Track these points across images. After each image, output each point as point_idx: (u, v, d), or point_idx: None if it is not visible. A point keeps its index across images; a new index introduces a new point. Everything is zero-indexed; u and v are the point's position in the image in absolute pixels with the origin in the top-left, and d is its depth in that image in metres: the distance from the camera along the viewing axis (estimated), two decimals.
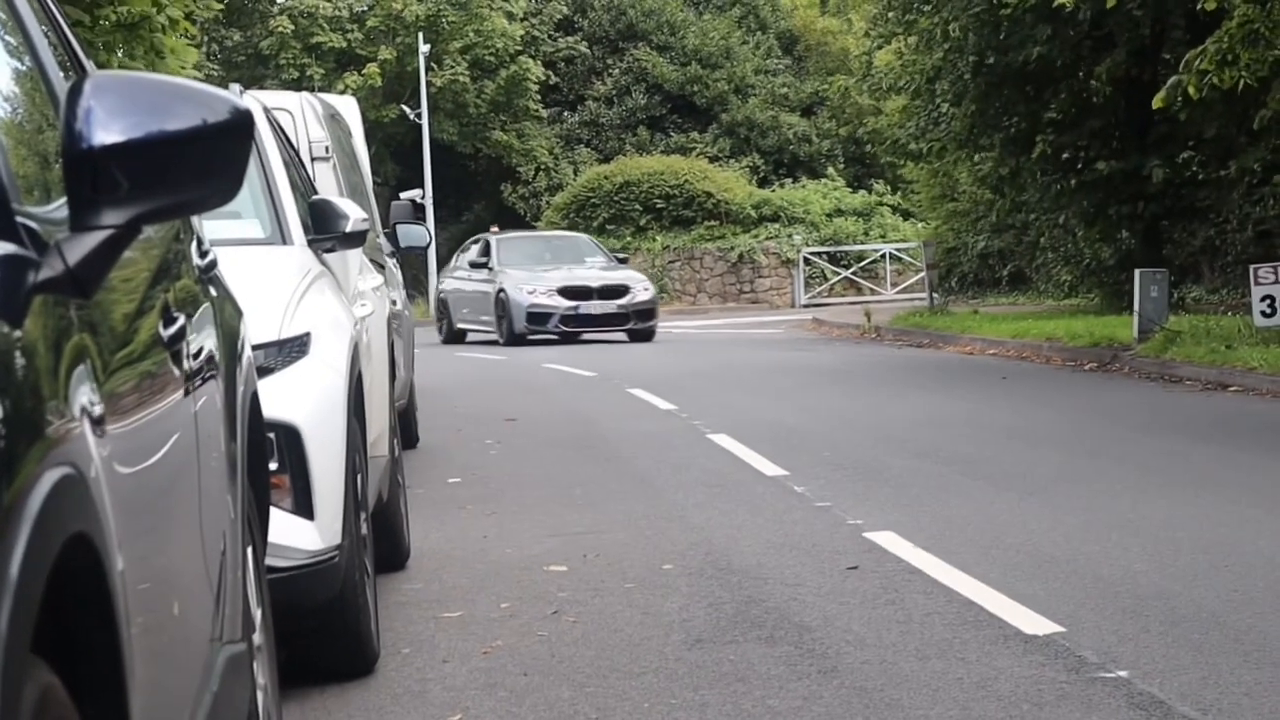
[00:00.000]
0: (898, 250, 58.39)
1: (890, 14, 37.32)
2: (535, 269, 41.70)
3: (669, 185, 59.85)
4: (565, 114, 66.83)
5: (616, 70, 66.26)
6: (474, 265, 43.11)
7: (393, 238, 18.12)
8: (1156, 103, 24.97)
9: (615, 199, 59.90)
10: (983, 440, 17.02)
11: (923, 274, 46.09)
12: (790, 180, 63.53)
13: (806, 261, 58.70)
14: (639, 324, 40.43)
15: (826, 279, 58.66)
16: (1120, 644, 8.26)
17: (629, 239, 59.05)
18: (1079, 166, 35.48)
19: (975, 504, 12.95)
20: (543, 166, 64.78)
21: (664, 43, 66.13)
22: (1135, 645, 8.26)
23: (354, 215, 9.70)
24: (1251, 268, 25.38)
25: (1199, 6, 24.62)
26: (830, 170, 64.10)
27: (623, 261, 44.48)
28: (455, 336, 43.31)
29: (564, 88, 66.75)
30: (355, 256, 11.13)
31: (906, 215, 60.24)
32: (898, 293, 56.00)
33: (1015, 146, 36.44)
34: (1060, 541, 11.18)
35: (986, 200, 44.40)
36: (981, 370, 26.98)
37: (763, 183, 63.34)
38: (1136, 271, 27.76)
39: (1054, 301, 43.04)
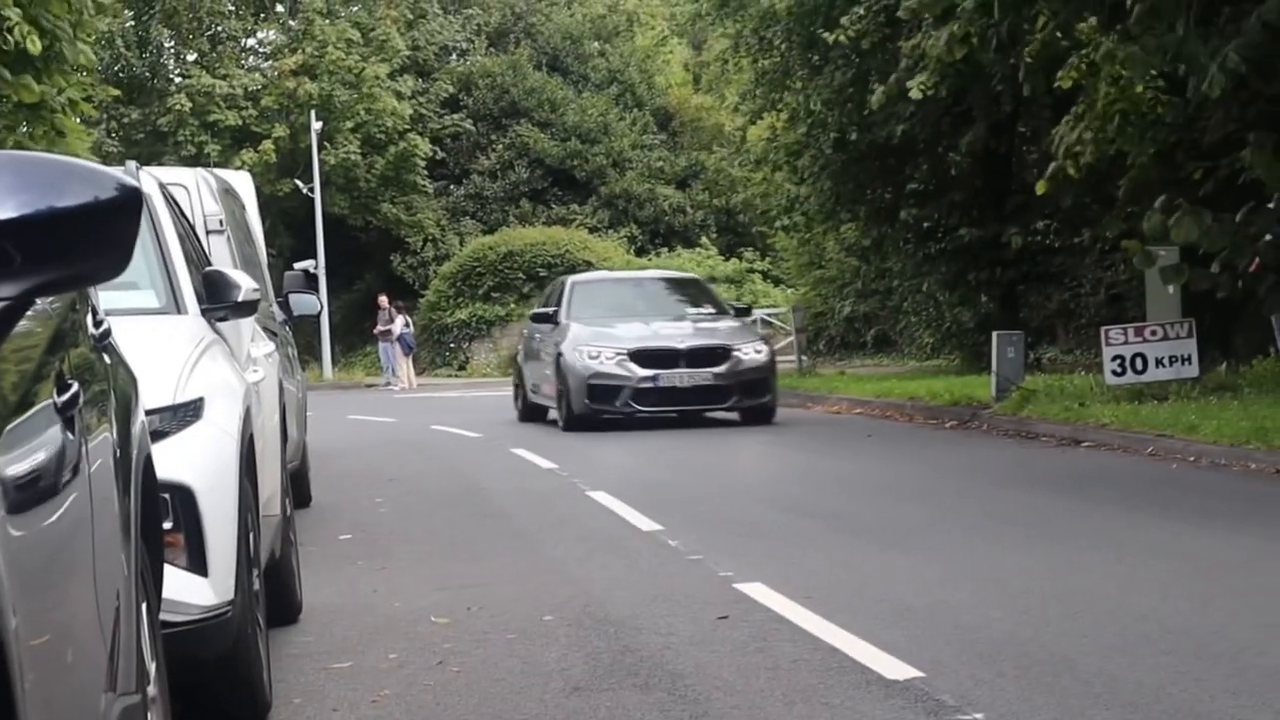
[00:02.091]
0: (768, 315, 58.36)
1: (759, 91, 37.53)
2: (612, 322, 28.78)
3: (551, 255, 59.88)
4: (452, 187, 66.77)
5: (500, 146, 66.26)
6: (539, 318, 30.62)
7: (285, 306, 18.06)
8: (1040, 188, 25.32)
9: (500, 268, 59.88)
10: (848, 495, 17.08)
11: (792, 337, 46.11)
12: (666, 249, 63.71)
13: None
14: (747, 400, 27.39)
15: None
16: (977, 688, 8.29)
17: (513, 306, 59.05)
18: (940, 235, 35.77)
19: (841, 556, 13.01)
20: (430, 238, 64.71)
21: (545, 119, 66.19)
22: (991, 689, 8.30)
23: (246, 286, 9.67)
24: (1103, 329, 25.58)
25: (1055, 85, 24.88)
26: (704, 239, 64.37)
27: (742, 312, 31.96)
28: (532, 412, 30.64)
29: (450, 163, 66.69)
30: (248, 325, 11.10)
31: (777, 281, 60.41)
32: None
33: (879, 217, 36.74)
34: (921, 591, 11.23)
35: (852, 267, 44.70)
36: (848, 428, 27.07)
37: (640, 252, 63.42)
38: (994, 334, 27.95)
39: (917, 363, 43.27)
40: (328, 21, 62.70)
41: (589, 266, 59.33)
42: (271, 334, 13.91)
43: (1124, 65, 22.68)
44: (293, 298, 18.46)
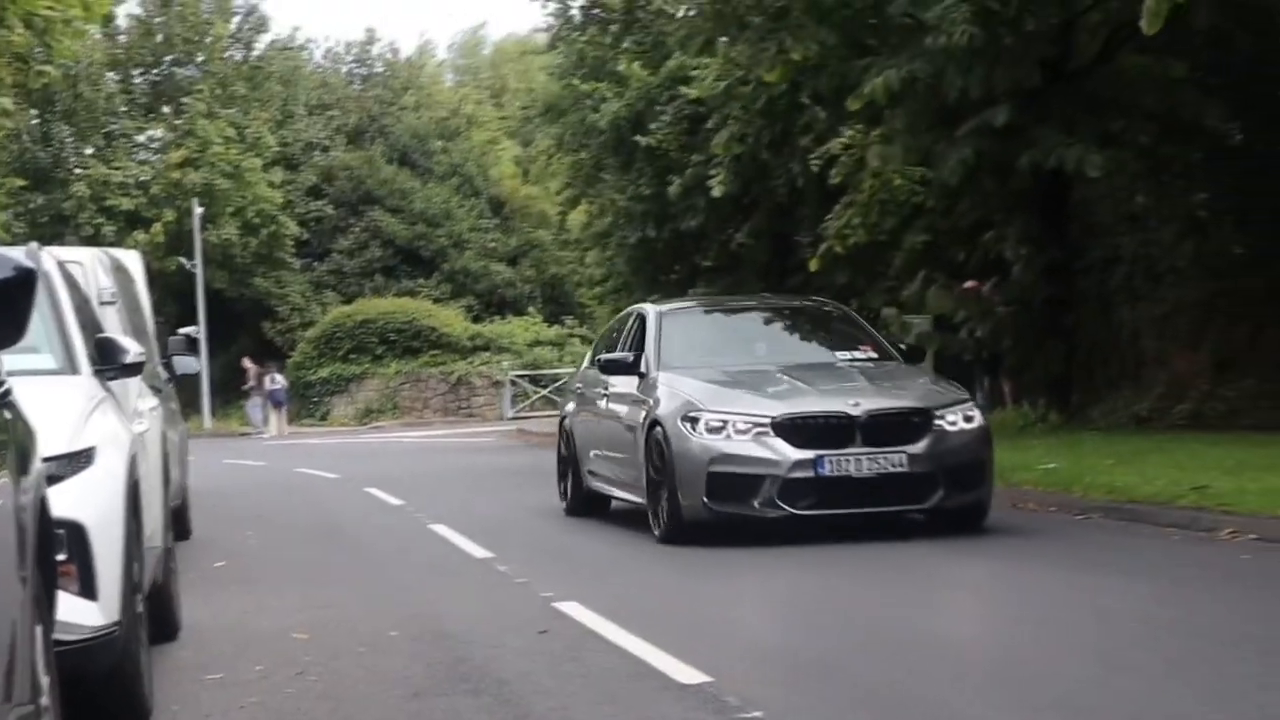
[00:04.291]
0: None
1: (576, 184, 37.67)
2: (731, 373, 15.89)
3: (400, 321, 59.79)
4: (315, 264, 66.34)
5: (357, 228, 66.00)
6: (611, 366, 16.97)
7: (169, 366, 17.85)
8: (813, 265, 25.50)
9: (356, 333, 59.68)
10: (645, 526, 17.05)
11: None
12: (499, 316, 63.74)
13: (512, 383, 58.65)
14: (955, 495, 14.69)
15: (529, 397, 58.57)
16: (758, 690, 8.27)
17: (368, 365, 58.85)
18: None
19: (646, 577, 13.04)
20: (296, 307, 64.28)
21: (396, 206, 66.00)
22: (770, 691, 8.29)
23: (133, 350, 9.58)
24: None
25: (830, 180, 25.13)
26: (530, 309, 64.52)
27: (910, 354, 17.58)
28: (589, 503, 18.01)
29: (314, 242, 66.26)
30: (135, 383, 10.97)
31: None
32: None
33: (676, 290, 36.88)
34: (715, 606, 11.25)
35: None
36: None
37: (476, 319, 63.37)
38: None
39: None
40: (208, 121, 62.20)
41: (432, 331, 59.35)
42: (156, 390, 13.75)
43: (882, 161, 22.94)
44: (176, 359, 18.24)
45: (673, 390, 15.34)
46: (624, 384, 16.51)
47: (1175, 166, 23.93)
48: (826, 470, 14.27)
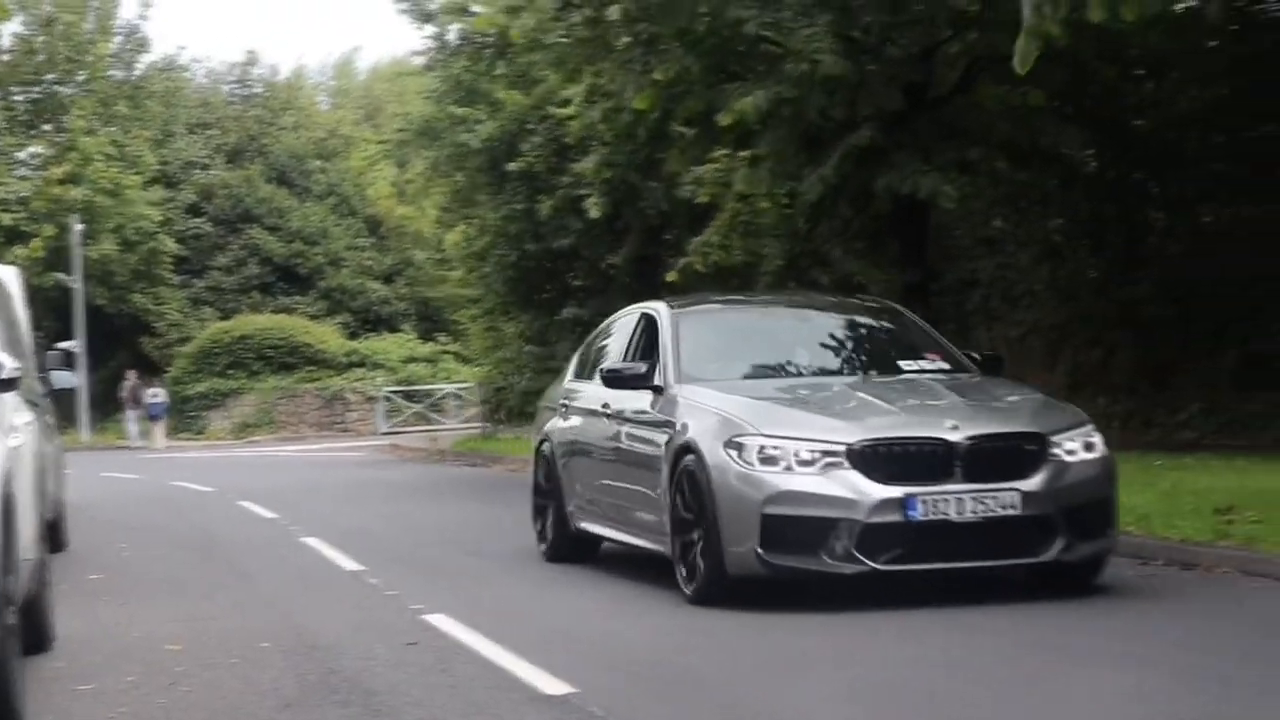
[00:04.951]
0: (459, 389, 58.39)
1: (452, 205, 37.63)
2: (778, 388, 12.36)
3: (277, 337, 59.51)
4: (193, 280, 65.80)
5: (235, 245, 65.55)
6: (615, 377, 13.16)
7: (46, 381, 17.65)
8: (670, 277, 25.59)
9: (233, 349, 59.32)
10: (517, 540, 16.98)
11: (478, 408, 46.14)
12: (374, 333, 63.50)
13: (387, 398, 58.40)
14: (1076, 545, 11.06)
15: (403, 412, 58.35)
16: (624, 702, 8.28)
17: (245, 380, 58.46)
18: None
19: (513, 590, 12.99)
20: (174, 323, 63.72)
21: (274, 224, 65.63)
22: (636, 703, 8.30)
23: (9, 364, 9.46)
24: None
25: (695, 201, 25.23)
26: (405, 326, 64.35)
27: (992, 364, 13.33)
28: (574, 548, 14.36)
29: (193, 259, 65.69)
30: (10, 397, 10.81)
31: (465, 360, 60.33)
32: (459, 423, 55.90)
33: (547, 310, 36.94)
34: (580, 619, 11.25)
35: (528, 350, 44.76)
36: (521, 485, 26.92)
37: (352, 335, 63.11)
38: None
39: None
40: (89, 138, 61.53)
41: (309, 347, 59.03)
42: (33, 404, 13.57)
43: (749, 185, 23.05)
44: (53, 374, 18.04)
45: (707, 408, 11.79)
46: (633, 400, 12.87)
47: (1032, 193, 24.20)
48: (918, 513, 10.79)
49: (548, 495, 14.77)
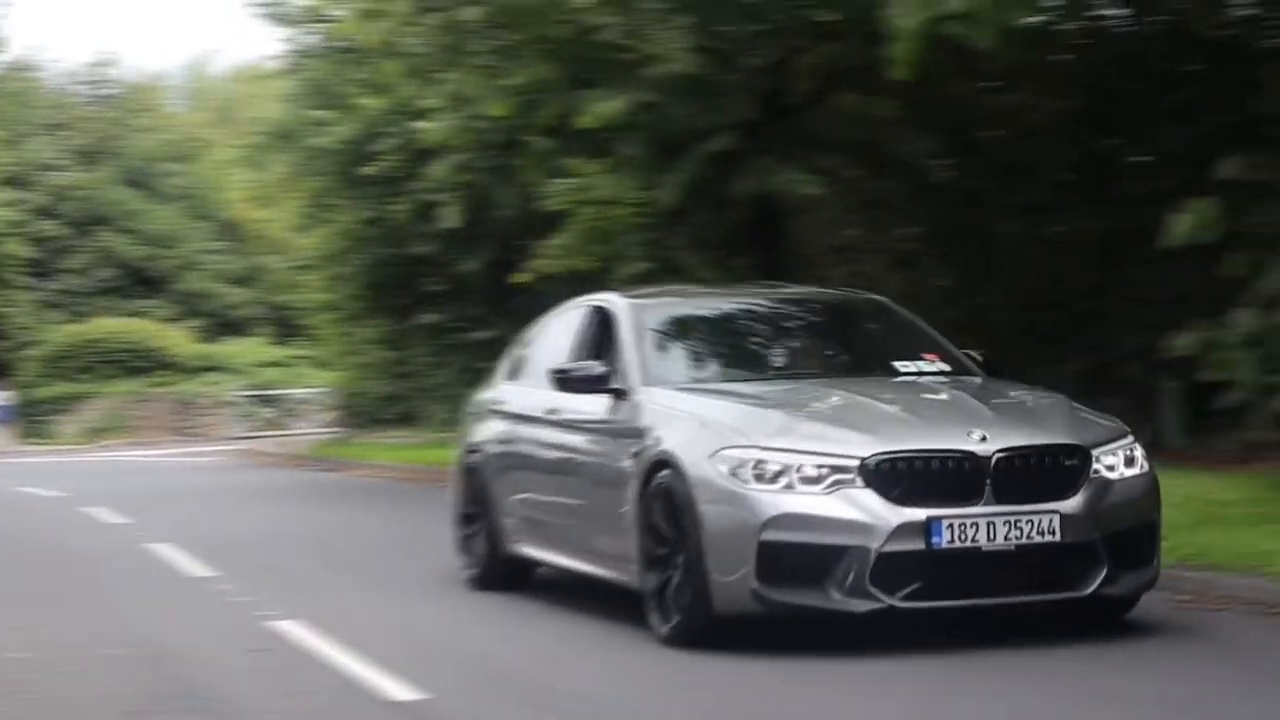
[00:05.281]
0: (314, 394, 58.01)
1: (308, 209, 37.39)
2: (769, 390, 10.56)
3: (129, 341, 58.87)
4: (44, 283, 64.95)
5: (88, 248, 64.80)
6: (567, 379, 11.29)
7: None
8: (520, 278, 25.56)
9: (84, 353, 58.62)
10: (372, 545, 16.92)
11: (334, 413, 45.86)
12: (228, 337, 63.03)
13: (240, 403, 57.96)
14: (1120, 576, 9.54)
15: (257, 417, 57.88)
16: (475, 708, 8.24)
17: (96, 384, 57.82)
18: (455, 332, 35.91)
19: (364, 597, 12.84)
20: (23, 326, 62.85)
21: (127, 227, 64.92)
22: (483, 709, 8.26)
23: None
24: None
25: (550, 208, 25.18)
26: (260, 330, 63.90)
27: (989, 366, 11.53)
28: (508, 573, 12.57)
29: (44, 262, 64.85)
30: None
31: (321, 365, 59.95)
32: (314, 428, 55.50)
33: (402, 316, 36.85)
34: (429, 625, 11.18)
35: (383, 355, 44.58)
36: (377, 490, 26.86)
37: (206, 340, 62.58)
38: None
39: (435, 434, 43.20)
40: None
41: (162, 352, 58.42)
42: None
43: (613, 189, 23.06)
44: None
45: (686, 414, 10.13)
46: (588, 406, 11.12)
47: (885, 202, 24.39)
48: (943, 539, 9.17)
49: (476, 513, 12.83)
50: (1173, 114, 20.39)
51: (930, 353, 11.36)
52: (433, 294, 36.05)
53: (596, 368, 11.10)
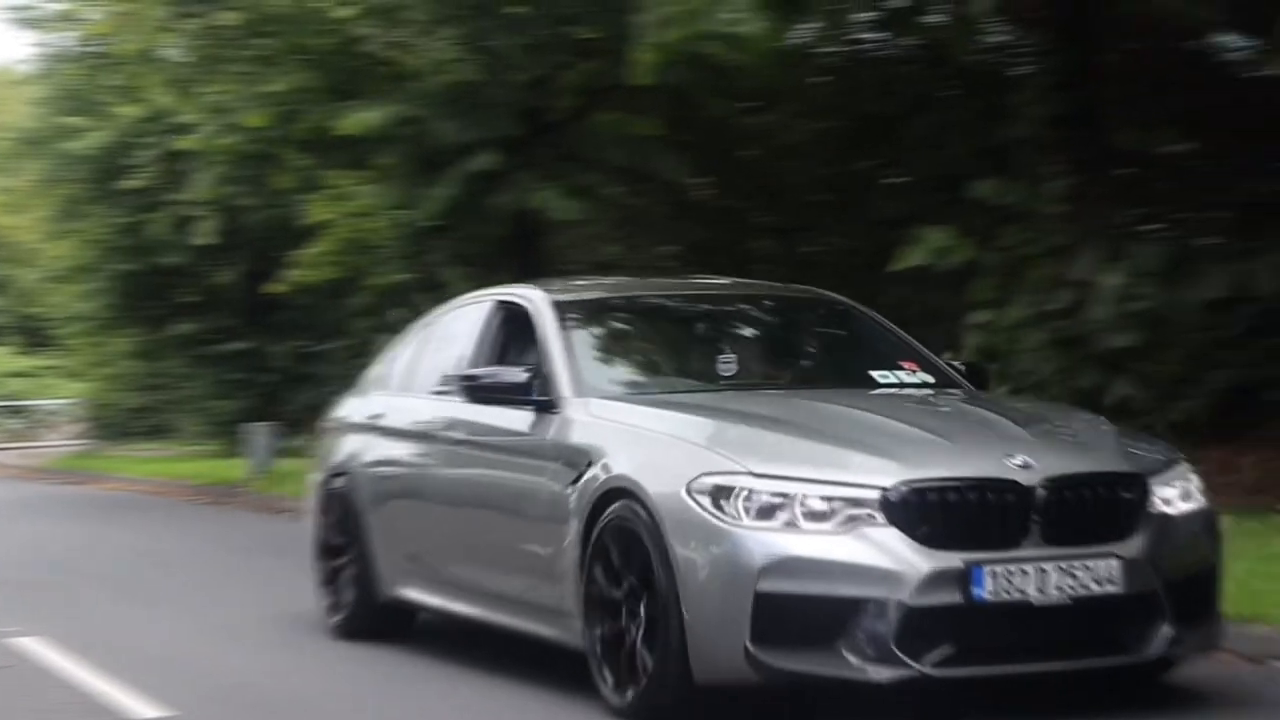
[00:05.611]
0: (64, 405, 56.95)
1: (59, 217, 36.75)
2: (727, 405, 8.41)
3: None
4: None
5: None
6: (479, 387, 9.08)
7: None
8: (276, 287, 25.30)
9: None
10: (119, 560, 16.56)
11: (83, 425, 45.00)
12: None
13: None
14: (1187, 634, 7.64)
15: (3, 429, 56.68)
16: None
17: None
18: (211, 343, 35.49)
19: (109, 613, 12.56)
20: None
21: None
22: None
23: None
24: None
25: (305, 221, 24.99)
26: (8, 340, 62.53)
27: (977, 377, 9.60)
28: (382, 616, 10.46)
29: None
30: None
31: (72, 376, 58.86)
32: (63, 440, 54.42)
33: (155, 326, 36.33)
34: (177, 642, 10.91)
35: (135, 367, 43.88)
36: (125, 504, 26.35)
37: None
38: (253, 425, 27.80)
39: (188, 448, 42.58)
40: None
41: None
42: None
43: (377, 200, 22.98)
44: None
45: (642, 432, 8.15)
46: (503, 421, 9.05)
47: (644, 219, 24.54)
48: (985, 590, 7.25)
49: (343, 548, 10.75)
50: (927, 137, 20.76)
51: (908, 360, 9.48)
52: (187, 305, 35.58)
53: (516, 374, 8.97)
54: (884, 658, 7.11)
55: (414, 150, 21.69)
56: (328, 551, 10.94)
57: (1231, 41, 17.96)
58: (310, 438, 39.65)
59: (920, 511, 7.24)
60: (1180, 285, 15.89)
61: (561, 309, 9.27)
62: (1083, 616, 7.36)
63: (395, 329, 23.62)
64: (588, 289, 10.20)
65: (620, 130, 21.68)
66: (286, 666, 9.88)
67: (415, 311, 23.69)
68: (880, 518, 7.22)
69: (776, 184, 22.89)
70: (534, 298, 9.48)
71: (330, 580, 10.89)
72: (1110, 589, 7.37)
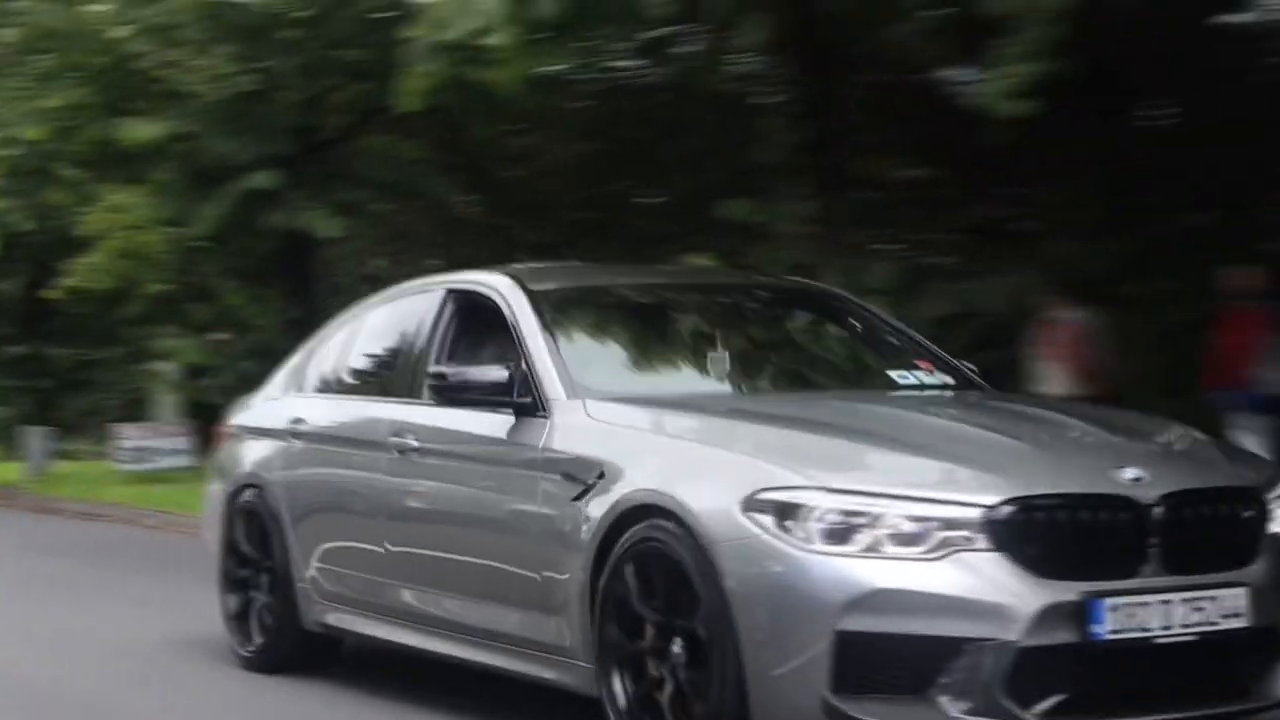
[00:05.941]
0: None
1: None
2: (759, 409, 6.99)
3: None
4: None
5: None
6: (450, 387, 7.48)
7: None
8: (51, 294, 25.45)
9: None
10: None
11: None
12: None
13: None
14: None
15: None
16: None
17: None
18: None
19: None
20: None
21: None
22: None
23: None
24: (117, 427, 26.19)
25: (81, 233, 25.10)
26: None
27: (987, 378, 8.18)
28: (306, 648, 9.05)
29: None
30: None
31: None
32: None
33: None
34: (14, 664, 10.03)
35: None
36: None
37: None
38: (30, 428, 27.94)
39: None
40: None
41: None
42: None
43: (151, 213, 23.10)
44: None
45: (669, 440, 6.84)
46: (471, 426, 7.65)
47: (412, 234, 25.06)
48: (1105, 628, 6.01)
49: (257, 570, 9.37)
50: (681, 160, 21.53)
51: (923, 360, 8.24)
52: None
53: (496, 372, 7.46)
54: (988, 709, 5.91)
55: (188, 166, 21.96)
56: (235, 575, 9.53)
57: (959, 75, 18.75)
58: (88, 442, 39.55)
59: (1028, 534, 5.99)
60: (912, 302, 16.71)
61: (537, 299, 7.85)
62: (1205, 656, 6.19)
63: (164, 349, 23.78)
64: (558, 275, 8.92)
65: (388, 151, 22.16)
66: (100, 676, 9.97)
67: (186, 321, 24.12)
68: (983, 541, 5.96)
69: (540, 203, 23.51)
70: (501, 286, 8.00)
71: (240, 607, 9.47)
72: (1237, 623, 6.20)
